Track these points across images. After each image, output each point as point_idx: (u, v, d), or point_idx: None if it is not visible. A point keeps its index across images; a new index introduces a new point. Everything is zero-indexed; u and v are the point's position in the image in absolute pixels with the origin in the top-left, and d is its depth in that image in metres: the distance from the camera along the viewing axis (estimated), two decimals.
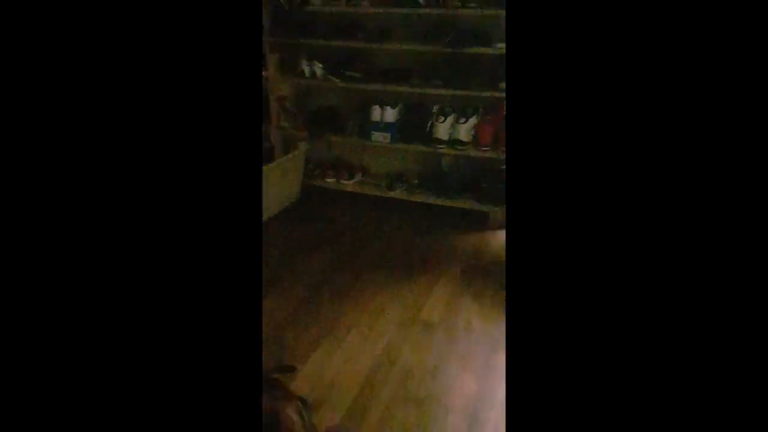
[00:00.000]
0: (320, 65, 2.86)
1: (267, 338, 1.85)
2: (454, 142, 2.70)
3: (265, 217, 2.74)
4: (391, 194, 2.93)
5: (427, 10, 2.55)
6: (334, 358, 1.76)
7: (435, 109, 2.75)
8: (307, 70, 2.87)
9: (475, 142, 2.68)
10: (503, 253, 2.49)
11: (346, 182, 3.04)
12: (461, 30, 2.57)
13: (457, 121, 2.69)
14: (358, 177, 3.08)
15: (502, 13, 2.41)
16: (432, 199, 2.85)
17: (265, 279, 2.24)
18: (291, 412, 0.70)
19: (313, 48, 2.88)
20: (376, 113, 2.79)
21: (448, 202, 2.82)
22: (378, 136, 2.83)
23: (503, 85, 2.51)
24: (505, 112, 2.65)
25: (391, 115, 2.79)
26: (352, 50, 2.83)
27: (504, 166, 2.65)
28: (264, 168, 2.68)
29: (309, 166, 3.09)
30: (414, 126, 2.79)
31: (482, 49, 2.50)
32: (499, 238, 2.65)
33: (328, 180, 3.07)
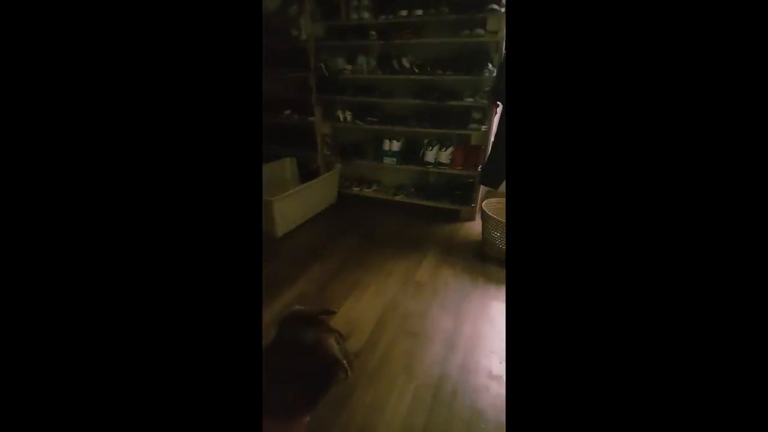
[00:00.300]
0: (350, 113, 2.83)
1: (312, 293, 1.84)
2: (438, 164, 2.66)
3: (314, 213, 2.73)
4: (396, 198, 2.90)
5: (419, 77, 2.52)
6: (358, 306, 1.75)
7: (425, 141, 2.71)
8: (341, 116, 2.85)
9: (452, 163, 2.64)
10: (469, 237, 2.45)
11: (366, 190, 3.01)
12: (442, 90, 2.53)
13: (440, 149, 2.65)
14: (374, 187, 3.05)
15: (468, 78, 2.36)
16: (422, 202, 2.81)
17: (311, 253, 2.23)
18: (332, 341, 0.67)
19: (345, 102, 2.85)
20: (386, 144, 2.76)
21: (432, 204, 2.78)
22: (387, 160, 2.79)
23: (470, 125, 2.47)
24: (470, 143, 2.61)
25: (396, 145, 2.75)
26: (370, 103, 2.80)
27: (470, 179, 2.62)
28: (313, 181, 2.68)
29: (342, 180, 3.06)
30: (411, 153, 2.75)
31: (456, 102, 2.45)
32: (466, 227, 2.61)
33: (354, 189, 3.03)
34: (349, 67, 2.73)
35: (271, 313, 1.68)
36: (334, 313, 1.08)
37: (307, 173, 3.05)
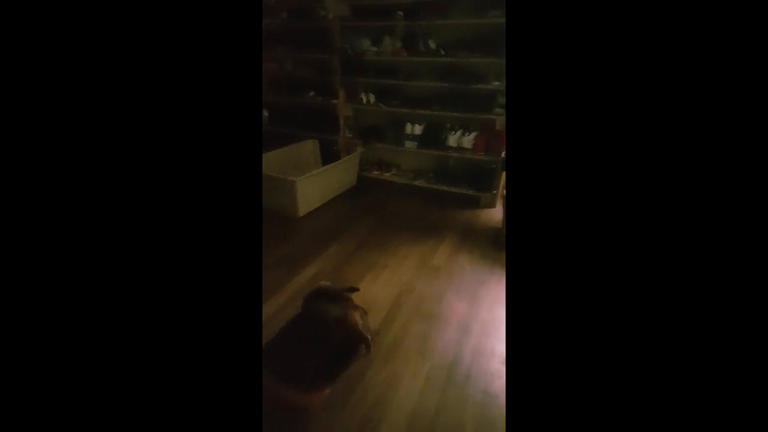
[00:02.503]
0: (372, 95, 2.77)
1: (329, 272, 1.84)
2: (459, 149, 2.59)
3: (334, 194, 2.72)
4: (415, 183, 2.85)
5: (444, 59, 2.42)
6: (374, 286, 1.74)
7: (448, 126, 2.64)
8: (364, 98, 2.79)
9: (474, 149, 2.57)
10: (489, 223, 2.40)
11: (385, 174, 2.98)
12: (467, 72, 2.43)
13: (462, 134, 2.57)
14: (393, 171, 3.01)
15: (495, 60, 2.26)
16: (441, 187, 2.75)
17: (330, 233, 2.23)
18: (357, 317, 0.67)
19: (368, 84, 2.79)
20: (408, 128, 2.70)
21: (452, 189, 2.71)
22: (408, 144, 2.74)
23: (495, 109, 2.38)
24: (495, 128, 2.52)
25: (418, 129, 2.69)
26: (393, 86, 2.73)
27: (493, 166, 2.54)
28: (335, 163, 2.66)
29: (362, 163, 3.03)
30: (432, 137, 2.68)
31: (480, 86, 2.35)
32: (486, 213, 2.55)
33: (374, 173, 3.00)
34: (373, 48, 2.66)
35: (290, 290, 1.70)
36: (357, 290, 1.07)
37: (328, 155, 3.04)
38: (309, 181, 2.39)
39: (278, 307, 1.59)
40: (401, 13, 2.45)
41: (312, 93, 3.03)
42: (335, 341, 0.70)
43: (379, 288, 1.72)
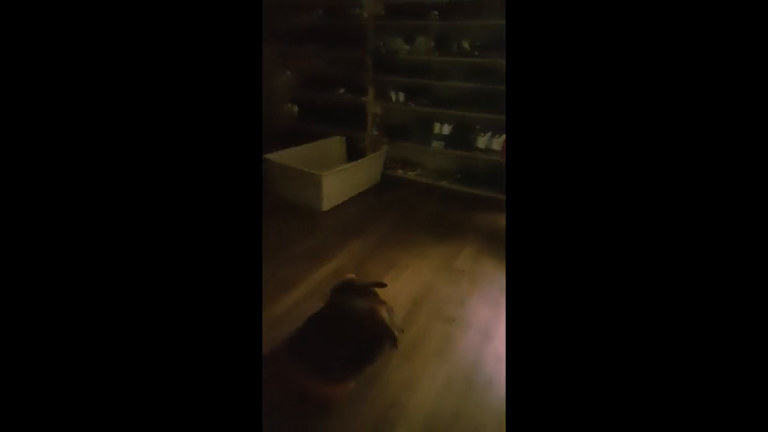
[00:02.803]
0: (402, 94, 2.76)
1: (350, 267, 1.84)
2: (489, 151, 2.54)
3: (358, 191, 2.72)
4: (439, 183, 2.81)
5: (476, 60, 2.38)
6: (395, 285, 1.72)
7: (477, 127, 2.59)
8: (393, 97, 2.79)
9: (503, 151, 2.51)
10: None
11: (410, 173, 2.96)
12: (499, 73, 2.38)
13: (492, 136, 2.52)
14: (418, 170, 2.98)
15: None
16: (467, 189, 2.70)
17: (354, 230, 2.23)
18: (384, 312, 0.66)
19: (399, 82, 2.78)
20: (436, 128, 2.67)
21: (478, 191, 2.66)
22: (436, 144, 2.71)
23: None
24: None
25: (446, 129, 2.65)
26: (424, 85, 2.71)
27: None
28: (360, 160, 2.67)
29: (387, 162, 3.02)
30: (461, 138, 2.64)
31: None
32: None
33: (399, 171, 2.98)
34: (406, 47, 2.65)
35: (312, 283, 1.71)
36: (384, 285, 1.06)
37: (354, 152, 3.04)
38: (334, 177, 2.40)
39: (299, 300, 1.59)
40: (436, 12, 2.43)
41: (342, 90, 3.05)
42: (362, 335, 0.69)
43: (400, 287, 1.71)
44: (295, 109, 3.39)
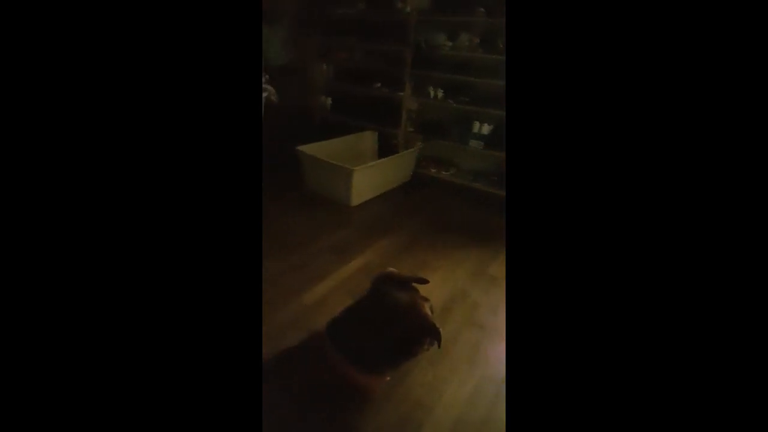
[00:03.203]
0: (441, 91, 2.76)
1: (378, 265, 1.86)
2: None
3: (388, 188, 2.74)
4: (474, 185, 2.79)
5: None
6: (424, 286, 1.73)
7: None
8: (431, 93, 2.79)
9: None
10: None
11: (443, 173, 2.95)
12: None
13: None
14: (452, 170, 2.97)
15: None
16: (503, 192, 2.67)
17: (383, 227, 2.25)
18: (427, 308, 0.67)
19: (438, 79, 2.78)
20: (475, 126, 2.66)
21: None
22: (474, 143, 2.69)
23: None
24: None
25: (486, 129, 2.63)
26: (464, 82, 2.70)
27: None
28: (392, 156, 2.68)
29: (419, 159, 3.03)
30: (501, 138, 2.61)
31: None
32: None
33: (431, 170, 2.98)
34: (449, 43, 2.65)
35: (338, 278, 1.74)
36: (426, 281, 1.07)
37: (386, 148, 3.07)
38: (366, 172, 2.43)
39: (324, 294, 1.63)
40: (483, 9, 2.42)
41: (378, 84, 3.08)
42: (403, 328, 0.70)
43: (430, 290, 1.69)
44: (330, 101, 3.45)
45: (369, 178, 2.50)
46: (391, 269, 0.67)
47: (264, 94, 2.17)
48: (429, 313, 0.69)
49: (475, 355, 1.36)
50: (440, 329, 0.66)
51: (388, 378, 0.67)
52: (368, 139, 3.11)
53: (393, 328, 0.67)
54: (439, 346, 0.65)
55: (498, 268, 1.92)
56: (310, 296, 1.61)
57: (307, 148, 2.57)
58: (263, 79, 2.19)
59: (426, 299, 0.76)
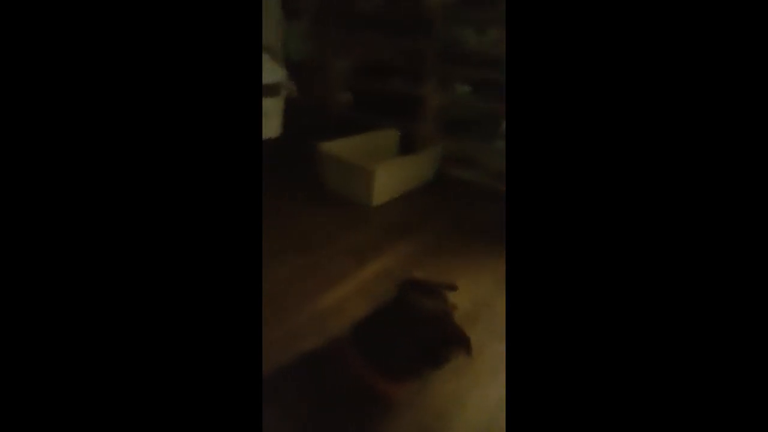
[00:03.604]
0: (467, 87, 2.74)
1: (399, 270, 1.86)
2: None
3: (409, 188, 2.73)
4: (500, 187, 2.75)
5: None
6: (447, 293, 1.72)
7: None
8: (459, 90, 2.77)
9: None
10: None
11: (467, 173, 2.92)
12: None
13: None
14: (477, 171, 2.93)
15: None
16: None
17: (404, 229, 2.25)
18: (456, 316, 0.67)
19: (465, 75, 2.77)
20: (503, 126, 2.63)
21: None
22: (501, 143, 2.66)
23: None
24: None
25: None
26: (493, 79, 2.66)
27: None
28: (414, 155, 2.68)
29: (443, 158, 3.00)
30: None
31: None
32: None
33: (455, 170, 2.95)
34: (476, 38, 2.62)
35: (356, 281, 1.75)
36: (456, 288, 1.06)
37: (407, 146, 3.06)
38: (386, 171, 2.43)
39: (343, 298, 1.64)
40: None
41: (400, 80, 3.07)
42: (432, 336, 0.70)
43: (453, 297, 1.69)
44: (349, 97, 3.47)
45: (390, 178, 2.50)
46: (417, 274, 0.68)
47: (284, 92, 2.20)
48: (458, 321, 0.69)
49: (499, 368, 1.35)
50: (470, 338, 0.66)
51: (412, 386, 0.67)
52: (389, 136, 3.11)
53: (421, 335, 0.67)
54: (469, 355, 0.65)
55: None
56: (326, 300, 1.63)
57: (326, 146, 2.59)
58: (284, 75, 2.23)
59: (455, 306, 0.75)
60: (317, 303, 1.60)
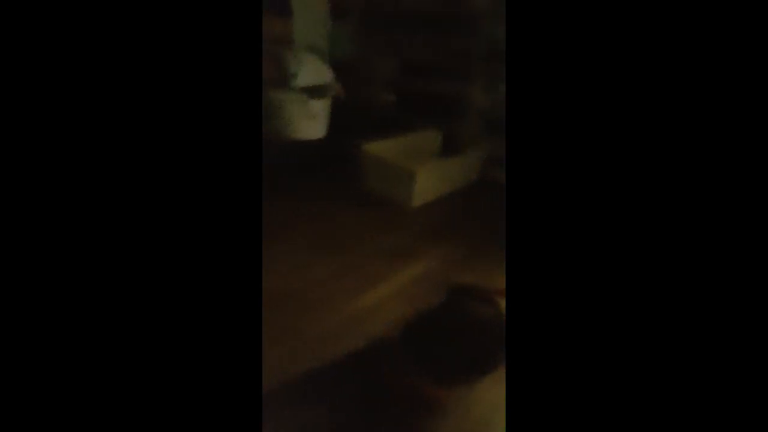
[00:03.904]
0: None
1: (438, 275, 1.86)
2: None
3: (450, 190, 2.73)
4: None
5: None
6: None
7: None
8: (503, 89, 2.73)
9: None
10: None
11: None
12: None
13: None
14: None
15: None
16: None
17: (443, 233, 2.25)
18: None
19: None
20: None
21: None
22: None
23: None
24: None
25: None
26: None
27: None
28: (456, 157, 2.67)
29: (486, 161, 2.97)
30: None
31: None
32: None
33: (499, 173, 2.91)
34: None
35: (396, 283, 1.78)
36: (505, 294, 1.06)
37: (450, 147, 3.05)
38: (428, 173, 2.44)
39: (381, 299, 1.67)
40: None
41: (445, 80, 3.07)
42: (482, 343, 0.71)
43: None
44: (392, 97, 3.51)
45: (431, 180, 2.51)
46: (469, 281, 0.69)
47: (331, 93, 2.26)
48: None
49: None
50: None
51: (460, 393, 0.69)
52: (431, 137, 3.12)
53: (472, 342, 0.69)
54: None
55: None
56: (364, 301, 1.66)
57: (368, 146, 2.64)
58: (330, 77, 2.29)
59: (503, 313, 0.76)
60: (355, 303, 1.64)
